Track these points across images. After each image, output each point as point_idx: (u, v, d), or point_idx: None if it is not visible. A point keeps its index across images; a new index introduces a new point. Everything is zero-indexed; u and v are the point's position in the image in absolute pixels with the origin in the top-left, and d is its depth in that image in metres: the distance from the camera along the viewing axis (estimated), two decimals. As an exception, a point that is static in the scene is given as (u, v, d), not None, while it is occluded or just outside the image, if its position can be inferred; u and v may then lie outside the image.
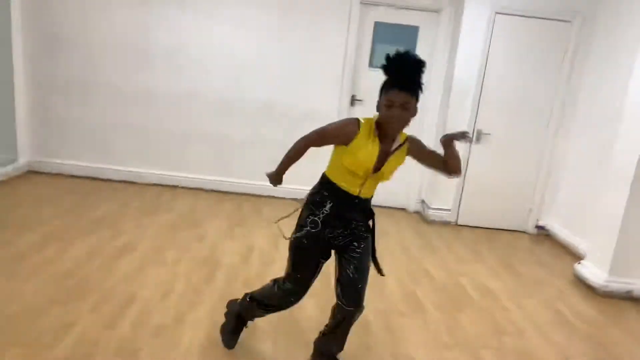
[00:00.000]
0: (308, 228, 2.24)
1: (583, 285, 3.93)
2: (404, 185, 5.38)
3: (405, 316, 3.12)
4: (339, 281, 2.28)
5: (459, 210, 5.12)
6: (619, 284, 3.74)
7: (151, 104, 5.15)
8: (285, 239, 2.38)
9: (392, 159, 2.17)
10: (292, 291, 2.36)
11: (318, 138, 2.23)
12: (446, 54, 5.09)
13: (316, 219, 2.23)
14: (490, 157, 5.00)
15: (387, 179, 2.23)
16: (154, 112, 5.18)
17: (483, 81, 4.85)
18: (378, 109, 2.10)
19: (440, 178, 5.04)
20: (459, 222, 5.14)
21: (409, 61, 2.01)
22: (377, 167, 2.15)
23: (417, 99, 2.05)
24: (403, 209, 5.47)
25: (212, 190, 5.32)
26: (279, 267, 3.58)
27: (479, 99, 4.88)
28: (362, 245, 2.27)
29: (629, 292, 3.74)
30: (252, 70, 5.11)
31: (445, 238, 4.73)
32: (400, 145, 2.17)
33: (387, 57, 2.04)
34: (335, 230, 2.25)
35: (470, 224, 5.15)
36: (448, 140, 2.17)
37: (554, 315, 3.37)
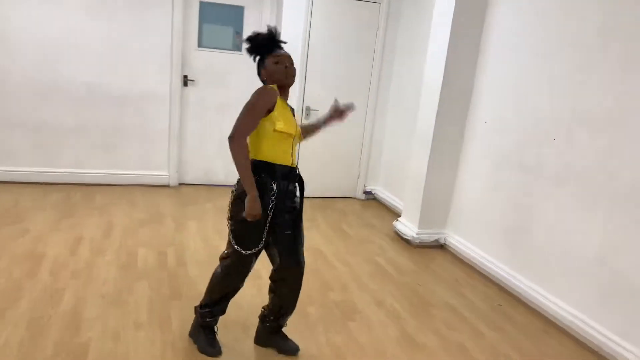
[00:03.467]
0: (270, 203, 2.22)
1: (401, 239, 4.47)
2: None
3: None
4: (281, 248, 2.34)
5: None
6: (427, 235, 4.33)
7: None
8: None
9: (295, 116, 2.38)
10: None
11: (250, 120, 2.14)
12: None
13: (269, 201, 2.22)
14: (321, 133, 5.32)
15: (301, 138, 2.45)
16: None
17: (307, 59, 5.14)
18: (267, 75, 2.29)
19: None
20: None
21: (268, 32, 2.30)
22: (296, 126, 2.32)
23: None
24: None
25: (37, 183, 4.90)
26: (111, 256, 3.51)
27: (305, 77, 5.17)
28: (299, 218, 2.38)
29: (436, 240, 4.36)
30: (71, 51, 4.76)
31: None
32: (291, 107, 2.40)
33: (250, 37, 2.30)
34: (282, 212, 2.27)
35: (311, 195, 5.49)
36: (339, 113, 2.56)
37: (373, 268, 3.81)
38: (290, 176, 2.30)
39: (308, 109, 5.25)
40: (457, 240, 4.22)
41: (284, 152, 2.26)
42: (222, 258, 2.45)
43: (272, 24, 5.14)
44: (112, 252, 3.58)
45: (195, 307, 2.55)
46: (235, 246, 2.30)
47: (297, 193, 2.39)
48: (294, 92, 5.12)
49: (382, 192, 5.59)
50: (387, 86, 5.46)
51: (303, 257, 2.43)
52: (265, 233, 2.27)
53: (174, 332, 2.67)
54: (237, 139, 2.11)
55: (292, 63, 2.31)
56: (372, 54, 5.36)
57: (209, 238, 4.03)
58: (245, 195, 2.14)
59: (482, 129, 4.01)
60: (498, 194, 3.78)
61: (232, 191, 2.31)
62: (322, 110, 5.27)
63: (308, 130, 2.63)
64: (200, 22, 5.15)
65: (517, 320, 3.21)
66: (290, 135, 2.25)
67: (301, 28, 5.06)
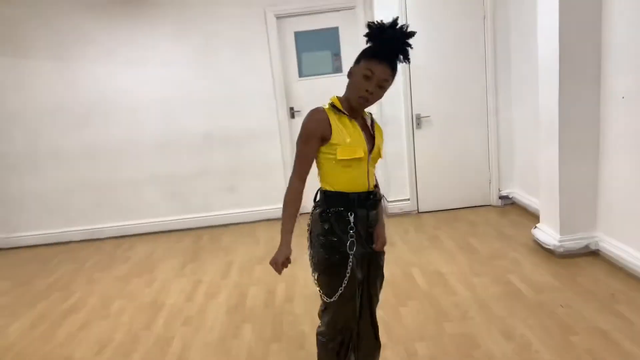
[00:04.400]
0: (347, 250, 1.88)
1: (541, 249, 3.78)
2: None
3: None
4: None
5: (418, 198, 5.00)
6: (573, 242, 3.58)
7: (95, 159, 5.20)
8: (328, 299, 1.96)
9: (376, 132, 1.95)
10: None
11: (303, 160, 1.84)
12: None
13: (348, 236, 1.89)
14: (436, 138, 4.89)
15: (381, 155, 1.98)
16: (100, 166, 5.22)
17: (410, 65, 4.75)
18: (351, 76, 1.85)
19: (393, 170, 5.01)
20: (420, 210, 5.03)
21: (400, 31, 1.78)
22: (370, 143, 1.91)
23: (393, 79, 1.84)
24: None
25: (171, 231, 5.31)
26: (223, 297, 3.56)
27: (410, 83, 4.79)
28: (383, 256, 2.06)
29: (585, 247, 3.58)
30: (185, 106, 5.12)
31: (404, 229, 4.61)
32: (372, 120, 1.99)
33: (373, 26, 1.80)
34: (362, 247, 1.94)
35: (433, 209, 5.03)
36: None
37: (503, 289, 3.24)
38: (369, 203, 1.93)
39: (418, 117, 4.84)
40: (612, 245, 3.40)
41: (357, 178, 1.89)
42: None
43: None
44: (225, 293, 3.63)
45: None
46: (324, 297, 1.95)
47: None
48: (399, 100, 4.81)
49: (521, 195, 4.86)
50: (507, 76, 4.78)
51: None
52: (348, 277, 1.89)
53: (267, 380, 2.53)
54: (290, 183, 1.88)
55: (383, 87, 1.82)
56: (483, 45, 4.75)
57: (321, 270, 3.87)
58: (317, 235, 1.91)
59: (620, 106, 3.21)
60: (655, 181, 2.96)
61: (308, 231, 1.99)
62: (434, 116, 4.84)
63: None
64: (297, 51, 5.15)
65: (699, 347, 2.41)
66: (360, 160, 1.86)
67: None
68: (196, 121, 5.16)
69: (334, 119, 1.84)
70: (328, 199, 1.89)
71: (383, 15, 4.61)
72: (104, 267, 4.44)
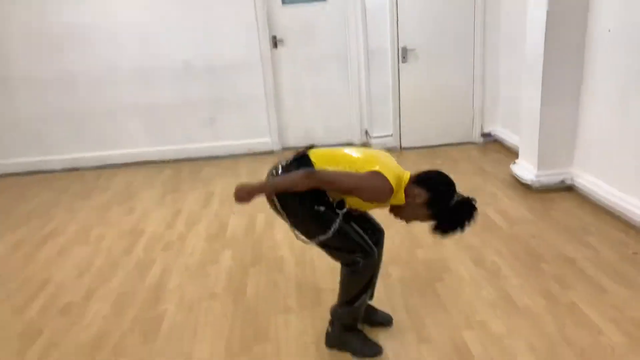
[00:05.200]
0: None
1: (519, 184, 3.85)
2: (346, 118, 5.29)
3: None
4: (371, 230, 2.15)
5: (401, 133, 5.00)
6: (550, 176, 3.64)
7: (73, 87, 5.03)
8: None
9: None
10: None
11: (346, 187, 1.88)
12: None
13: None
14: (421, 74, 4.82)
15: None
16: (78, 95, 5.06)
17: (397, 6, 4.61)
18: (413, 196, 1.93)
19: (377, 105, 4.96)
20: (403, 146, 5.03)
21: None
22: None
23: None
24: (349, 144, 5.37)
25: (151, 162, 5.24)
26: (203, 225, 3.59)
27: (397, 15, 4.65)
28: None
29: (561, 181, 3.65)
30: (163, 33, 4.94)
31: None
32: None
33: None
34: None
35: (416, 145, 5.04)
36: None
37: (479, 221, 3.30)
38: None
39: (405, 49, 4.73)
40: (587, 180, 3.47)
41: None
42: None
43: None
44: (205, 222, 3.65)
45: (332, 315, 2.17)
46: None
47: None
48: (385, 30, 4.70)
49: (502, 132, 4.89)
50: (497, 16, 4.67)
51: None
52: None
53: (248, 300, 2.60)
54: (315, 178, 1.85)
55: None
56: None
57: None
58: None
59: (605, 41, 3.17)
60: (632, 121, 2.98)
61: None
62: (420, 49, 4.75)
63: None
64: (281, -23, 4.94)
65: (660, 274, 2.52)
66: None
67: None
68: (176, 49, 4.98)
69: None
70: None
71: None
72: (83, 196, 4.42)
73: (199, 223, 3.64)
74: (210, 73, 5.06)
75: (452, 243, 2.98)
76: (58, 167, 5.22)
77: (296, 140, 5.33)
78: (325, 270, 2.78)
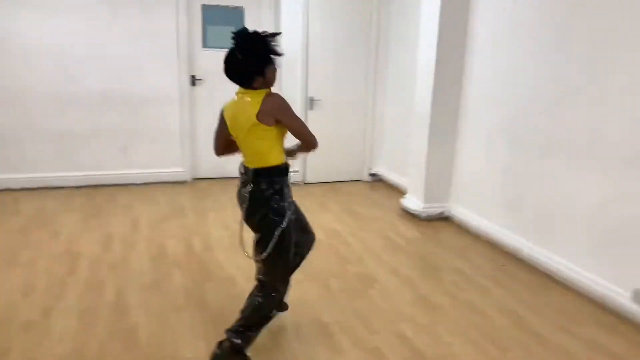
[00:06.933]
0: (289, 215, 2.32)
1: (408, 215, 4.74)
2: (252, 155, 5.80)
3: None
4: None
5: (306, 170, 5.68)
6: (433, 209, 4.60)
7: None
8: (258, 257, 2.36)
9: None
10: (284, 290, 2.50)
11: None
12: (272, 29, 5.50)
13: (286, 204, 2.32)
14: (325, 120, 5.60)
15: None
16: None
17: (308, 52, 5.38)
18: (269, 76, 2.25)
19: (288, 144, 5.56)
20: (307, 181, 5.72)
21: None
22: None
23: None
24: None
25: (61, 187, 5.17)
26: (143, 247, 3.79)
27: (307, 70, 5.41)
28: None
29: (441, 213, 4.63)
30: (84, 60, 5.03)
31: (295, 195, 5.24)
32: None
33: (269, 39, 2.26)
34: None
35: (318, 181, 5.76)
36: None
37: (386, 242, 4.09)
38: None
39: (312, 99, 5.49)
40: (460, 212, 4.48)
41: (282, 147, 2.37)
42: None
43: (271, 21, 5.43)
44: (143, 245, 3.86)
45: (228, 332, 2.42)
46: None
47: None
48: (296, 83, 5.40)
49: (387, 173, 5.85)
50: (385, 71, 5.70)
51: None
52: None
53: (212, 310, 2.95)
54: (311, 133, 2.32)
55: None
56: (369, 42, 5.60)
57: (229, 226, 4.30)
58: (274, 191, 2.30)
59: (475, 107, 4.25)
60: (494, 165, 4.04)
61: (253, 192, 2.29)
62: (325, 99, 5.54)
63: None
64: (203, 23, 5.38)
65: (520, 277, 3.49)
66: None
67: (300, 21, 5.29)
68: (94, 77, 5.08)
69: None
70: (280, 170, 2.31)
71: (288, 4, 5.18)
72: (-9, 220, 4.25)
73: (135, 246, 3.83)
74: (127, 104, 5.23)
75: (372, 261, 3.69)
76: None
77: (206, 172, 5.70)
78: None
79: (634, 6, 2.83)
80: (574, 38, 3.22)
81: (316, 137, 2.33)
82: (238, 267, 3.51)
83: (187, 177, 5.59)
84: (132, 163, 5.40)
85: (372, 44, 5.60)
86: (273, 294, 2.42)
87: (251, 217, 2.35)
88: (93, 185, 5.28)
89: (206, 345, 2.61)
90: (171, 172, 5.53)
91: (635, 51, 2.83)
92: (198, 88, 5.47)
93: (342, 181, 5.89)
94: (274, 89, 2.35)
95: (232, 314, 2.90)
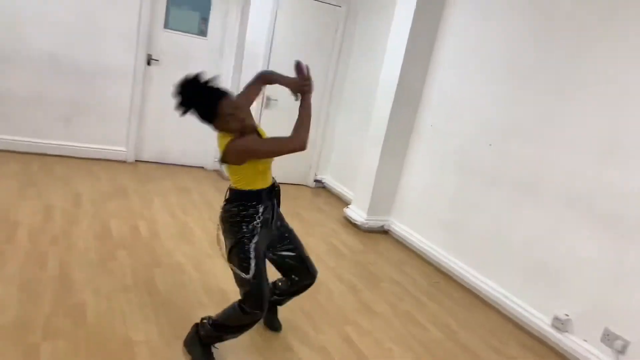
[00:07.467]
0: (256, 234, 2.31)
1: (350, 224, 4.94)
2: (202, 145, 5.73)
3: (212, 257, 3.56)
4: (293, 264, 2.69)
5: (252, 167, 5.71)
6: (375, 221, 4.83)
7: None
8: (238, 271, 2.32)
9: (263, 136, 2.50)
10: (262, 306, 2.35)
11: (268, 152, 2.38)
12: (238, 22, 5.53)
13: (255, 223, 2.31)
14: (278, 121, 5.64)
15: None
16: None
17: (270, 54, 5.45)
18: (223, 123, 2.22)
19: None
20: (252, 178, 5.75)
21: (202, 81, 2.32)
22: None
23: None
24: (202, 167, 5.83)
25: (-9, 150, 4.83)
26: (86, 225, 3.66)
27: (268, 67, 5.46)
28: (289, 227, 2.71)
29: (381, 226, 4.87)
30: (34, 18, 4.73)
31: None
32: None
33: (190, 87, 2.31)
34: (272, 226, 2.46)
35: (261, 180, 5.80)
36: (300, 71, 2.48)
37: (329, 248, 4.25)
38: (273, 193, 2.49)
39: (268, 98, 5.56)
40: (400, 228, 4.75)
41: (264, 177, 2.40)
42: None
43: (238, 16, 5.45)
44: (85, 222, 3.72)
45: (204, 320, 2.43)
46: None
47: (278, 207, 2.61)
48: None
49: (332, 182, 6.03)
50: (342, 86, 5.89)
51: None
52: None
53: (162, 295, 2.94)
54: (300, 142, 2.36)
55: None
56: (330, 55, 5.77)
57: (176, 215, 4.25)
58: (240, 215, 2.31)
59: (428, 132, 4.55)
60: (439, 188, 4.34)
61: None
62: (280, 100, 5.62)
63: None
64: (168, 3, 5.27)
65: (452, 295, 3.79)
66: (267, 166, 2.40)
67: (267, 20, 5.34)
68: (44, 38, 4.79)
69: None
70: (245, 196, 2.32)
71: (257, 5, 5.23)
72: None
73: (79, 222, 3.69)
74: (76, 73, 4.99)
75: (319, 264, 3.81)
76: None
77: (150, 155, 5.57)
78: (223, 276, 3.28)
79: (589, 58, 3.22)
80: (531, 80, 3.57)
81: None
82: (186, 255, 3.51)
83: (129, 157, 5.43)
84: (73, 135, 5.15)
85: (335, 55, 5.77)
86: (243, 312, 2.31)
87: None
88: (29, 153, 4.97)
89: (157, 329, 2.61)
90: (114, 149, 5.34)
91: (585, 103, 3.20)
92: (153, 68, 5.35)
93: (288, 184, 5.98)
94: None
95: (183, 301, 2.93)
